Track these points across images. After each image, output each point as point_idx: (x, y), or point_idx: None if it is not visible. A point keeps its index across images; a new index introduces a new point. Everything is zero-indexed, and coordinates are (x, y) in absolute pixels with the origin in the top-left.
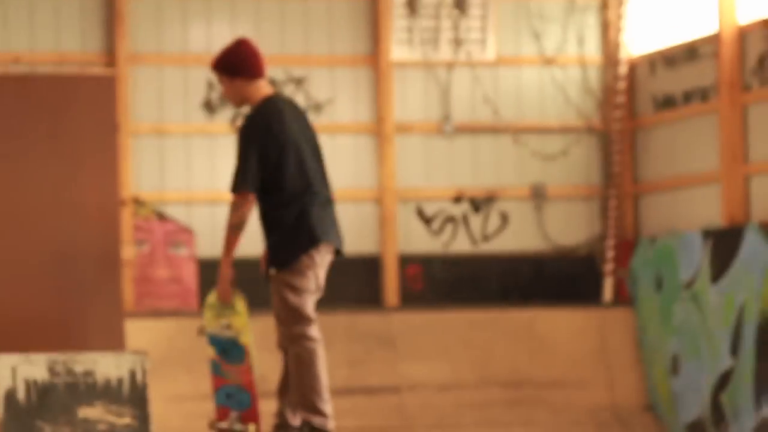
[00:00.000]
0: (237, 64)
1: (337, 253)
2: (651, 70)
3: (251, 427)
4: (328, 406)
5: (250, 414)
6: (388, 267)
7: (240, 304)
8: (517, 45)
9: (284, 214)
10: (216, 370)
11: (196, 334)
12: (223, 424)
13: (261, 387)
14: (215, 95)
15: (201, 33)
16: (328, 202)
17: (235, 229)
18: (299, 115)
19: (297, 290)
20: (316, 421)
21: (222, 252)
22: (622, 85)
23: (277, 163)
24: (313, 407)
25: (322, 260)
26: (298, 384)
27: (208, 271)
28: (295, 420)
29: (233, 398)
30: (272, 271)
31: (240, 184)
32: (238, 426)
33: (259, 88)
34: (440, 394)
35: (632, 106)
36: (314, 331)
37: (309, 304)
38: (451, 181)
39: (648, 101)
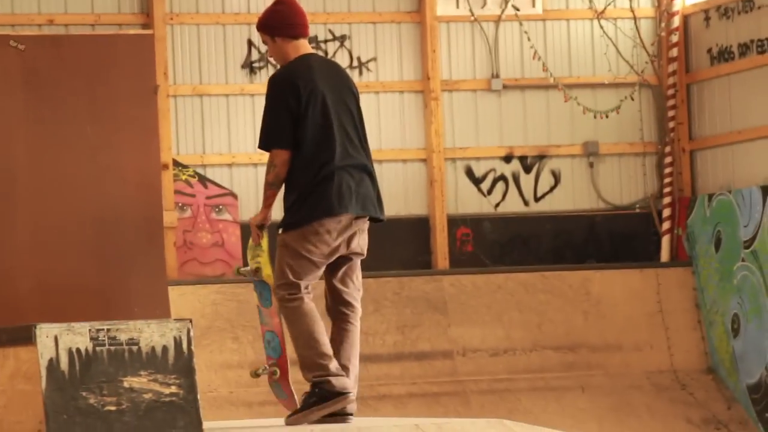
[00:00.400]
0: (278, 23)
1: (374, 219)
2: (705, 21)
3: (272, 370)
4: (332, 363)
5: (281, 361)
6: (438, 229)
7: (264, 241)
8: None
9: (301, 176)
10: (260, 317)
11: (234, 273)
12: (259, 371)
13: None
14: (255, 55)
15: None
16: (362, 169)
17: (270, 186)
18: (335, 75)
19: (294, 254)
20: (320, 376)
21: (263, 203)
22: (675, 38)
23: (299, 122)
24: (314, 365)
25: (342, 230)
26: (294, 346)
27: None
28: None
29: (270, 345)
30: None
31: (267, 141)
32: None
33: (299, 48)
34: (493, 358)
35: (686, 60)
36: (299, 295)
37: (303, 271)
38: (501, 139)
39: (703, 54)
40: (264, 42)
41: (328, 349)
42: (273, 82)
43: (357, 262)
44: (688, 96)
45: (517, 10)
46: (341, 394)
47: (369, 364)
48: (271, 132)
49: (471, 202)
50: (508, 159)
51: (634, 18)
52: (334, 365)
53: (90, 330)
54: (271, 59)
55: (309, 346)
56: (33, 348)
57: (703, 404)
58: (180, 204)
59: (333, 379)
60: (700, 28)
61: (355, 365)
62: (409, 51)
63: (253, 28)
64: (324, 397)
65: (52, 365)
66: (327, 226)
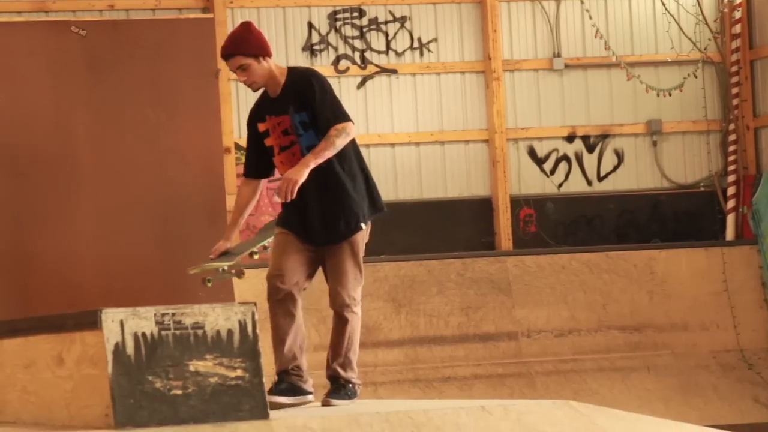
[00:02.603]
0: (265, 43)
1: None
2: None
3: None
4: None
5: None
6: (501, 209)
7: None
8: None
9: (358, 175)
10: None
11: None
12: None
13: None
14: (316, 37)
15: None
16: None
17: (333, 150)
18: None
19: (361, 254)
20: (357, 380)
21: (311, 160)
22: (738, 14)
23: None
24: (354, 367)
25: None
26: (348, 345)
27: None
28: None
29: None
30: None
31: (344, 112)
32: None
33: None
34: (558, 339)
35: (750, 36)
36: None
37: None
38: (563, 119)
39: (766, 30)
40: (240, 67)
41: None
42: (322, 76)
43: None
44: (752, 72)
45: None
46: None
47: (433, 347)
48: (341, 106)
49: (534, 183)
50: (570, 139)
51: None
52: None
53: (155, 314)
54: (250, 81)
55: (356, 353)
56: (99, 332)
57: None
58: None
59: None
60: (764, 3)
61: None
62: (470, 31)
63: (314, 9)
64: (354, 396)
65: (118, 350)
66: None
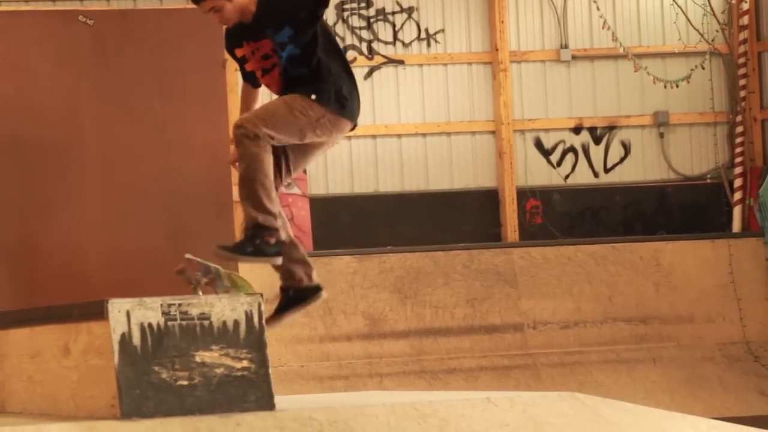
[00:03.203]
0: None
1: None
2: None
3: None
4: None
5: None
6: (507, 201)
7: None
8: None
9: (342, 71)
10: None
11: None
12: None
13: None
14: None
15: None
16: None
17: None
18: None
19: (296, 114)
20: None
21: None
22: (746, 5)
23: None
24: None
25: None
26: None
27: (321, 210)
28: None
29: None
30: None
31: None
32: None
33: None
34: (563, 331)
35: (757, 28)
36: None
37: (282, 132)
38: (570, 110)
39: None
40: (215, 8)
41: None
42: None
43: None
44: (760, 64)
45: None
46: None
47: (439, 338)
48: None
49: (540, 174)
50: (577, 130)
51: None
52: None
53: (162, 305)
54: (224, 20)
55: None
56: (105, 323)
57: None
58: None
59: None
60: None
61: None
62: (477, 22)
63: None
64: (263, 252)
65: (125, 340)
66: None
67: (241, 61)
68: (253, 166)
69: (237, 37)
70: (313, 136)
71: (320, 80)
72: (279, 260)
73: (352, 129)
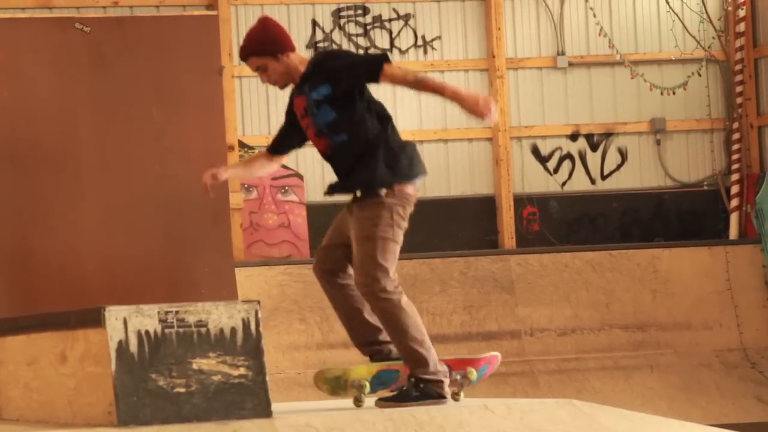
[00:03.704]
0: (282, 36)
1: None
2: None
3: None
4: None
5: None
6: (504, 208)
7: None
8: None
9: (386, 135)
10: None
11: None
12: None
13: None
14: (320, 35)
15: None
16: None
17: (421, 79)
18: None
19: (387, 231)
20: (427, 375)
21: (434, 87)
22: (742, 12)
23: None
24: (421, 360)
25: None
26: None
27: (318, 217)
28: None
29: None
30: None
31: (377, 57)
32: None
33: (300, 57)
34: (561, 338)
35: (754, 34)
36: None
37: (395, 258)
38: (567, 117)
39: None
40: (262, 69)
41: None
42: (331, 48)
43: None
44: (756, 71)
45: None
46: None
47: (436, 345)
48: (368, 54)
49: (537, 181)
50: (574, 137)
51: None
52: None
53: (159, 312)
54: (272, 81)
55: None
56: (102, 330)
57: None
58: (246, 185)
59: (445, 381)
60: None
61: None
62: (474, 29)
63: (318, 7)
64: (429, 395)
65: (122, 347)
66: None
67: (296, 119)
68: (398, 327)
69: (293, 95)
70: (404, 223)
71: (371, 163)
72: (446, 402)
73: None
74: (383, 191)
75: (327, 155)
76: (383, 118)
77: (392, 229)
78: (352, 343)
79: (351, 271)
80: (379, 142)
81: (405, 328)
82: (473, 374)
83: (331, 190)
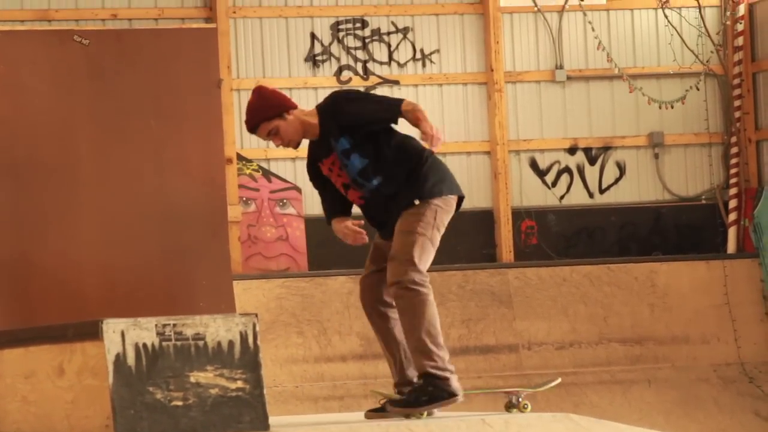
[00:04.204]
0: (282, 99)
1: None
2: None
3: None
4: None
5: None
6: (502, 221)
7: None
8: None
9: (418, 156)
10: None
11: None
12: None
13: None
14: (318, 48)
15: None
16: None
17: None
18: None
19: (423, 232)
20: (437, 370)
21: (418, 117)
22: (741, 26)
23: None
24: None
25: None
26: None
27: (316, 230)
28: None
29: None
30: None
31: (395, 101)
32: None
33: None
34: (558, 352)
35: (752, 49)
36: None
37: (429, 258)
38: (565, 131)
39: None
40: (270, 133)
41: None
42: (340, 91)
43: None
44: (755, 85)
45: (581, 0)
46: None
47: None
48: (386, 97)
49: (535, 195)
50: (572, 151)
51: (699, 7)
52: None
53: (156, 325)
54: (287, 141)
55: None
56: (100, 343)
57: None
58: (244, 198)
59: (452, 377)
60: (766, 16)
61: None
62: (473, 43)
63: (316, 20)
64: (440, 396)
65: (119, 360)
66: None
67: (329, 182)
68: (416, 318)
69: (315, 158)
70: (442, 229)
71: (410, 182)
72: (458, 399)
73: (461, 200)
74: (430, 200)
75: (365, 203)
76: (408, 143)
77: (432, 229)
78: (393, 378)
79: (389, 298)
80: (418, 164)
81: (422, 321)
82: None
83: (382, 227)
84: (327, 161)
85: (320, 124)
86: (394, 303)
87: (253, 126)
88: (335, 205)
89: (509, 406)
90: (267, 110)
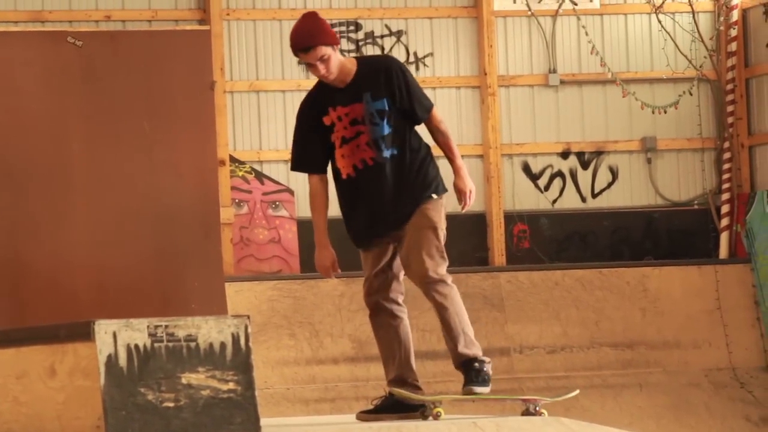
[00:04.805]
0: (334, 32)
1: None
2: (764, 15)
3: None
4: None
5: None
6: (494, 225)
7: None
8: None
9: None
10: None
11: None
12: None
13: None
14: None
15: None
16: None
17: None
18: None
19: (442, 229)
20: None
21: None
22: (734, 32)
23: None
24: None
25: None
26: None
27: (308, 232)
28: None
29: None
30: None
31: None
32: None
33: None
34: (550, 355)
35: (745, 54)
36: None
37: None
38: (558, 135)
39: (762, 48)
40: (321, 58)
41: None
42: (396, 59)
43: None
44: (747, 91)
45: (575, 4)
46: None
47: (426, 361)
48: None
49: (528, 199)
50: (565, 155)
51: (693, 12)
52: None
53: (148, 326)
54: (329, 72)
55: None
56: (92, 344)
57: (762, 402)
58: (236, 200)
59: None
60: (759, 22)
61: None
62: (466, 46)
63: None
64: (489, 379)
65: (111, 361)
66: None
67: (328, 130)
68: (460, 309)
69: (323, 103)
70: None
71: (425, 170)
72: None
73: None
74: (442, 195)
75: (365, 169)
76: (419, 135)
77: (444, 225)
78: (388, 376)
79: (397, 296)
80: (428, 156)
81: (464, 313)
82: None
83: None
84: (342, 109)
85: (359, 73)
86: (401, 300)
87: (311, 45)
88: (321, 157)
89: (526, 414)
90: (327, 35)
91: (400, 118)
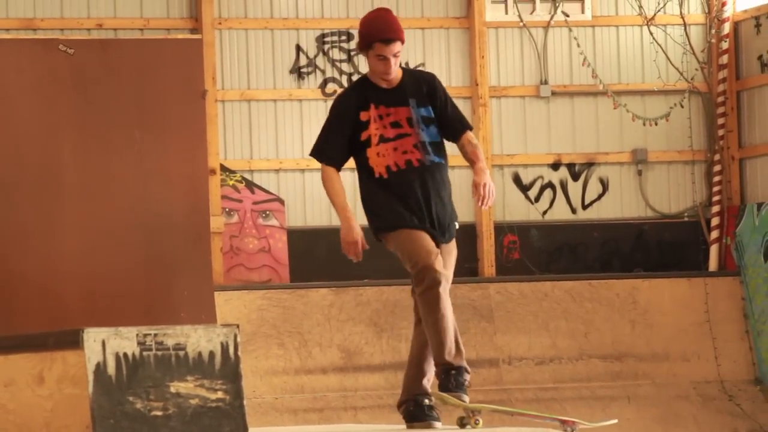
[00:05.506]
0: None
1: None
2: (756, 28)
3: None
4: None
5: None
6: (484, 236)
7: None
8: (616, 4)
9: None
10: None
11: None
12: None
13: None
14: (304, 60)
15: None
16: None
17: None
18: None
19: None
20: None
21: (485, 164)
22: (725, 44)
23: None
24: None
25: None
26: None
27: (298, 242)
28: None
29: None
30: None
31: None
32: None
33: None
34: (539, 367)
35: (736, 67)
36: None
37: None
38: (549, 146)
39: (753, 61)
40: (396, 54)
41: None
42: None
43: None
44: (738, 103)
45: (567, 16)
46: None
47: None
48: None
49: (518, 210)
50: (556, 166)
51: (684, 25)
52: None
53: (137, 335)
54: (392, 70)
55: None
56: (80, 352)
57: (751, 415)
58: (227, 209)
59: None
60: (751, 34)
61: None
62: (458, 57)
63: (302, 32)
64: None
65: (100, 369)
66: None
67: (361, 126)
68: (447, 313)
69: (366, 99)
70: None
71: (450, 194)
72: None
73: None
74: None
75: (409, 170)
76: None
77: None
78: (423, 389)
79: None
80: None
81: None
82: None
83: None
84: (384, 109)
85: (404, 80)
86: None
87: (396, 38)
88: (342, 155)
89: None
90: (404, 35)
91: (438, 129)
